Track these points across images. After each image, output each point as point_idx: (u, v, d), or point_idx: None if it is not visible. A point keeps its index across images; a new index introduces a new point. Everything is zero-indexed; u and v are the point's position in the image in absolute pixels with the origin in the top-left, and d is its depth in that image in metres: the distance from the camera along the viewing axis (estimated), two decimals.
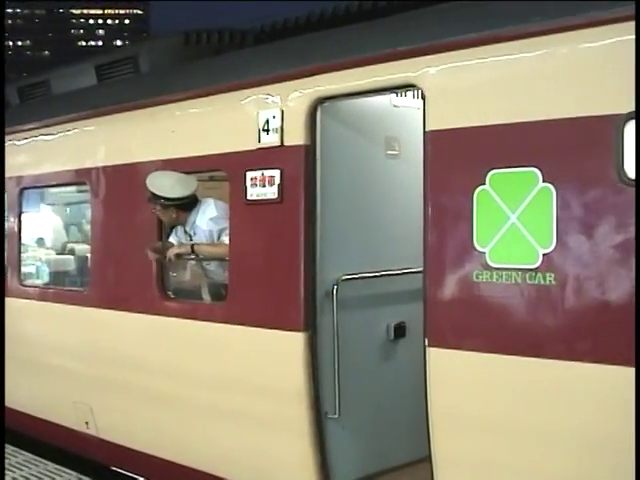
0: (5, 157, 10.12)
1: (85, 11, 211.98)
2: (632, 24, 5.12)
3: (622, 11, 5.17)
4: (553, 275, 5.42)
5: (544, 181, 5.44)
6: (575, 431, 5.42)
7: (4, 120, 10.02)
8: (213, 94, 7.83)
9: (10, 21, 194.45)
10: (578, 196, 5.35)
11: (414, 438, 6.65)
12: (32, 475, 8.86)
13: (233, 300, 7.61)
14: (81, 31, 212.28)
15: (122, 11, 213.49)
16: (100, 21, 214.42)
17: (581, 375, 5.36)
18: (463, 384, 5.96)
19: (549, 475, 5.62)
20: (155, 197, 8.07)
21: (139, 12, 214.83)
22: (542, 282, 5.47)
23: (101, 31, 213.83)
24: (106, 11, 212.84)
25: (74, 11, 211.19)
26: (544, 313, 5.53)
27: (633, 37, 5.15)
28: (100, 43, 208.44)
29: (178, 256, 8.16)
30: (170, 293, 8.41)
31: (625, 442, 5.13)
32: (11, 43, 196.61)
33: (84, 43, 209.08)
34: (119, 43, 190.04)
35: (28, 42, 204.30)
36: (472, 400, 5.90)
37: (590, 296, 5.33)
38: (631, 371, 5.05)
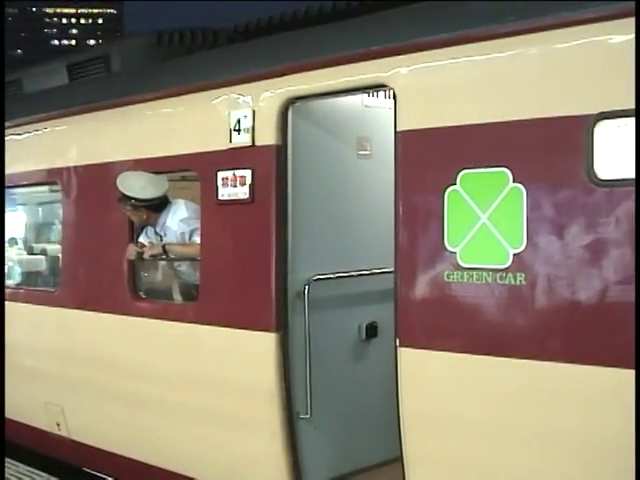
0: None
1: (59, 10, 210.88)
2: (603, 25, 5.16)
3: (593, 12, 5.19)
4: (523, 275, 5.43)
5: (514, 181, 5.45)
6: (547, 431, 5.43)
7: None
8: (184, 94, 7.81)
9: None
10: (548, 196, 5.36)
11: (387, 438, 6.63)
12: None
13: (204, 300, 7.59)
14: (54, 30, 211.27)
15: (96, 10, 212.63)
16: (74, 20, 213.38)
17: (553, 375, 5.36)
18: (434, 384, 5.97)
19: (521, 475, 5.63)
20: (125, 197, 8.06)
21: (113, 12, 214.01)
22: (512, 282, 5.47)
23: (75, 30, 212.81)
24: (80, 10, 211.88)
25: (47, 10, 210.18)
26: (514, 313, 5.55)
27: (603, 38, 5.20)
28: (74, 42, 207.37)
29: (152, 256, 8.16)
30: (141, 293, 8.39)
31: (601, 441, 5.18)
32: None
33: (57, 42, 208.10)
34: (93, 42, 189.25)
35: None
36: (443, 400, 5.91)
37: (560, 296, 5.34)
38: (604, 370, 5.10)
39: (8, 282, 10.74)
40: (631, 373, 4.88)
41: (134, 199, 8.05)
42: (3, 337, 9.32)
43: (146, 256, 8.13)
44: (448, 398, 5.88)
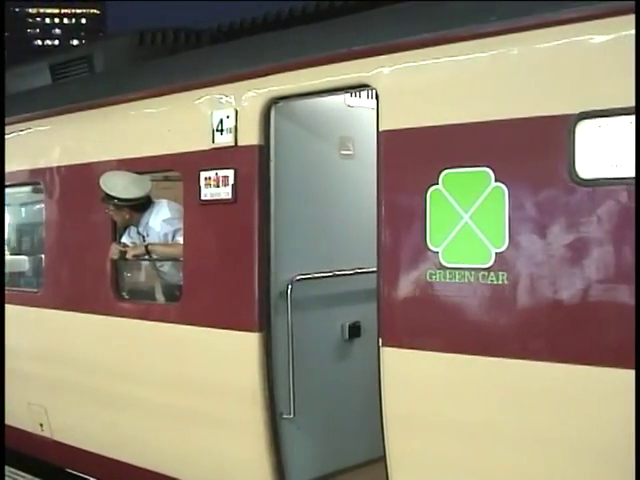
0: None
1: (41, 10, 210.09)
2: (584, 25, 5.18)
3: (574, 12, 5.21)
4: (505, 274, 5.44)
5: (496, 181, 5.46)
6: (531, 430, 5.43)
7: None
8: (167, 94, 7.80)
9: None
10: (530, 196, 5.37)
11: (370, 437, 6.63)
12: None
13: (187, 301, 7.57)
14: (37, 30, 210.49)
15: (79, 10, 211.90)
16: (56, 20, 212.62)
17: (535, 374, 5.37)
18: (417, 384, 5.97)
19: (505, 475, 5.63)
20: (108, 197, 8.04)
21: (96, 12, 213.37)
22: (495, 281, 5.48)
23: (57, 30, 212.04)
24: (62, 10, 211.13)
25: (30, 10, 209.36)
26: (497, 312, 5.55)
27: (584, 38, 5.21)
28: (56, 42, 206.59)
29: (135, 257, 8.15)
30: (124, 294, 8.37)
31: (588, 441, 5.19)
32: None
33: (40, 42, 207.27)
34: (75, 43, 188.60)
35: None
36: (425, 400, 5.91)
37: (542, 295, 5.35)
38: (587, 369, 5.12)
39: None
40: (612, 372, 4.93)
41: (117, 199, 8.03)
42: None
43: (129, 256, 8.12)
44: (431, 397, 5.89)
